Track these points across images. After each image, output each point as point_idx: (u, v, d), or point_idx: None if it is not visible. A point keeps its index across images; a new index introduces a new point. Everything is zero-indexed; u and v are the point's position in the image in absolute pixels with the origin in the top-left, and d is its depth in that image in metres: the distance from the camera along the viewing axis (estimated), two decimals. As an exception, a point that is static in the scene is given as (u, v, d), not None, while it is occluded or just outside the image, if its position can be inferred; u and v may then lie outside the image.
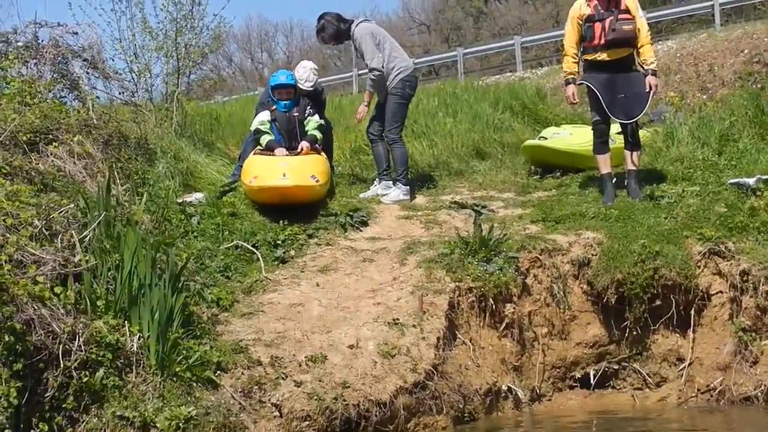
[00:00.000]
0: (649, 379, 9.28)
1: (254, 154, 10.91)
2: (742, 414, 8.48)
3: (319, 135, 11.24)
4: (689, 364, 9.10)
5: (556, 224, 10.05)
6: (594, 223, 9.92)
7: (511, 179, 12.19)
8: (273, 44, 65.56)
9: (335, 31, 11.61)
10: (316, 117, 11.32)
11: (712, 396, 8.91)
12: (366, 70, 11.56)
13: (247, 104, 13.49)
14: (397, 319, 8.41)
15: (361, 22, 11.60)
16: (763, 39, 18.56)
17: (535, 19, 49.83)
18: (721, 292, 9.17)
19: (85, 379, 7.16)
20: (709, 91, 18.63)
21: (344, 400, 7.54)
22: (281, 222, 9.99)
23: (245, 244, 9.54)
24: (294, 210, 10.17)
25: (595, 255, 9.48)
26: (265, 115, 11.22)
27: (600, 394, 9.37)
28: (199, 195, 10.47)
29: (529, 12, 51.73)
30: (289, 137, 11.06)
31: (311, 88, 11.71)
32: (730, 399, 8.77)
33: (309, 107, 11.28)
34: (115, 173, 9.46)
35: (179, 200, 10.20)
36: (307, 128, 11.18)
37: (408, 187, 11.30)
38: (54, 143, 9.35)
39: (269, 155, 10.71)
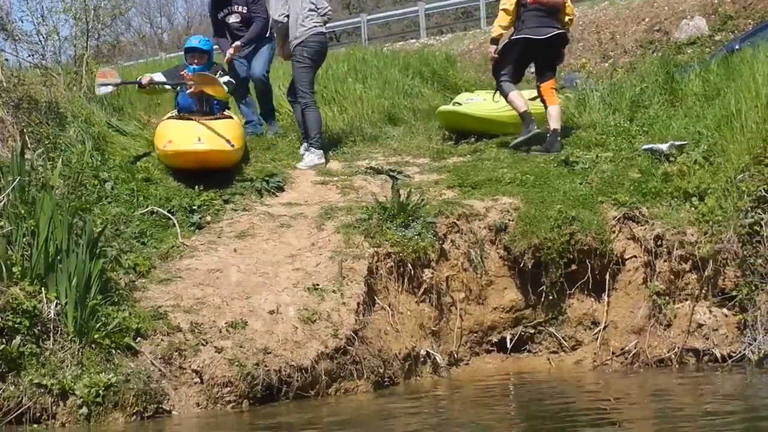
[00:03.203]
0: (564, 342, 9.38)
1: (167, 118, 10.75)
2: (656, 376, 8.59)
3: (227, 88, 11.02)
4: (604, 328, 9.21)
5: (473, 189, 10.09)
6: (510, 189, 9.98)
7: (426, 145, 12.19)
8: (172, 9, 64.70)
9: None
10: (226, 78, 11.16)
11: (626, 359, 9.02)
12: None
13: (153, 70, 13.23)
14: (317, 284, 8.41)
15: None
16: (663, 8, 18.88)
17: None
18: (636, 256, 9.28)
19: (1, 347, 7.05)
20: (611, 59, 18.87)
21: (265, 366, 7.54)
22: (196, 187, 9.87)
23: (160, 209, 9.44)
24: (209, 175, 10.06)
25: (512, 220, 9.55)
26: (158, 76, 11.23)
27: (516, 358, 9.46)
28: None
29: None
30: (200, 101, 10.87)
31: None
32: (645, 362, 8.89)
33: (220, 72, 11.14)
34: (27, 138, 9.25)
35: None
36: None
37: (321, 151, 11.27)
38: (-39, 105, 9.14)
39: (183, 119, 10.55)
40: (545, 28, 11.27)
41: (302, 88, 11.44)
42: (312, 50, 11.49)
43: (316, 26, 11.53)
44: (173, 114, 10.89)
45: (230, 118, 10.92)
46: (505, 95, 11.38)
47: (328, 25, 11.97)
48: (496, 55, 11.62)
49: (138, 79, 11.13)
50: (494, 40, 11.61)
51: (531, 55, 11.46)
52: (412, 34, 31.44)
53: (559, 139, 11.14)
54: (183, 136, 10.17)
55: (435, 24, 33.77)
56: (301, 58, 11.45)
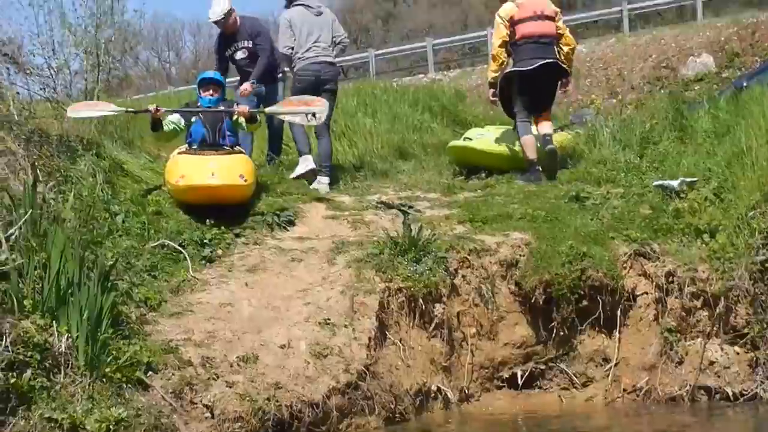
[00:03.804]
0: (575, 379, 9.33)
1: (179, 153, 10.71)
2: (668, 414, 8.57)
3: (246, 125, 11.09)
4: (615, 365, 9.16)
5: (484, 225, 10.08)
6: (521, 224, 9.98)
7: (437, 180, 12.21)
8: (180, 43, 65.00)
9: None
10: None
11: (638, 396, 8.99)
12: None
13: (162, 103, 13.30)
14: (329, 319, 8.38)
15: (297, 4, 12.34)
16: (670, 44, 18.95)
17: (443, 22, 50.12)
18: (647, 293, 9.27)
19: (12, 381, 7.00)
20: (618, 95, 18.91)
21: (277, 401, 7.48)
22: (207, 221, 9.85)
23: (171, 243, 9.41)
24: (220, 209, 10.03)
25: (523, 256, 9.53)
26: (175, 117, 11.08)
27: (527, 395, 9.39)
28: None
29: (437, 15, 52.01)
30: (214, 132, 10.79)
31: (219, 18, 12.42)
32: (656, 399, 8.86)
33: (236, 105, 11.16)
34: (38, 171, 9.26)
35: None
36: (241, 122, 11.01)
37: (310, 156, 11.92)
38: (-27, 143, 9.15)
39: (195, 154, 10.50)
40: (534, 59, 11.59)
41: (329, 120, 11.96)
42: (305, 78, 12.06)
43: (312, 56, 12.06)
44: (183, 149, 10.82)
45: (242, 153, 10.86)
46: (519, 136, 11.52)
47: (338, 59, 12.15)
48: (495, 98, 12.13)
49: (148, 108, 10.98)
50: (491, 84, 12.06)
51: (528, 87, 11.60)
52: (420, 69, 31.58)
53: (538, 169, 11.52)
54: (196, 170, 10.07)
55: (442, 59, 33.91)
56: (294, 86, 12.05)
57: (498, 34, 11.87)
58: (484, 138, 12.36)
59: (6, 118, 9.76)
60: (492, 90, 12.10)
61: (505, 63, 11.87)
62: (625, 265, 9.36)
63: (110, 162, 10.71)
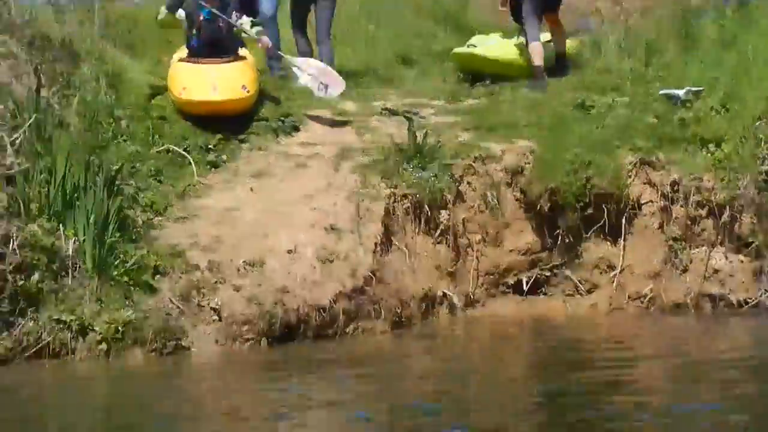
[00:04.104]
0: (580, 285, 9.36)
1: (180, 60, 10.42)
2: (672, 320, 8.62)
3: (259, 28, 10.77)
4: (620, 272, 9.19)
5: (489, 132, 10.00)
6: (526, 132, 9.92)
7: (441, 86, 12.08)
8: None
9: None
10: (249, 26, 10.68)
11: (642, 303, 9.04)
12: None
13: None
14: (334, 224, 8.41)
15: None
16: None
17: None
18: (652, 201, 9.27)
19: (21, 283, 7.07)
20: (622, 2, 18.63)
21: (284, 305, 7.58)
22: (212, 126, 9.79)
23: (176, 148, 9.37)
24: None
25: (528, 163, 9.51)
26: (181, 14, 10.61)
27: (532, 300, 9.44)
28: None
29: None
30: (216, 48, 10.26)
31: None
32: (660, 306, 8.92)
33: (236, 12, 10.91)
34: (41, 75, 9.17)
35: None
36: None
37: None
38: (-24, 43, 9.07)
39: (197, 63, 10.13)
40: None
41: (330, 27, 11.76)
42: None
43: None
44: (185, 54, 10.46)
45: (244, 58, 10.58)
46: (527, 41, 11.44)
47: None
48: (504, 8, 12.02)
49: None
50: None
51: None
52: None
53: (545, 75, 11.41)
54: (197, 83, 9.85)
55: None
56: None
57: None
58: (489, 45, 12.18)
59: (8, 23, 9.64)
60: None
61: None
62: (630, 173, 9.34)
63: (113, 66, 10.60)
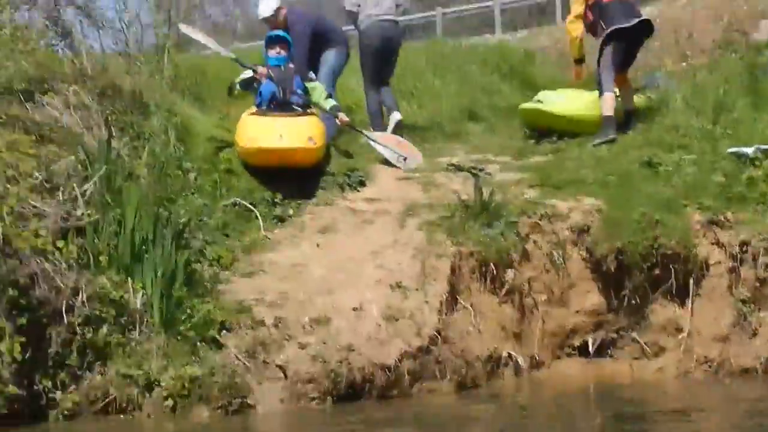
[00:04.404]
0: (647, 348, 9.21)
1: (248, 114, 10.57)
2: (741, 386, 8.45)
3: (334, 103, 11.13)
4: (688, 335, 9.04)
5: (555, 189, 9.95)
6: (593, 189, 9.85)
7: (507, 143, 12.08)
8: (246, -1, 64.65)
9: None
10: (319, 84, 11.16)
11: (710, 367, 8.86)
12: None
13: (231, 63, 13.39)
14: (400, 282, 8.36)
15: None
16: (742, 7, 18.53)
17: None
18: (720, 262, 9.12)
19: (89, 336, 7.11)
20: (688, 58, 18.57)
21: (349, 364, 7.53)
22: (279, 180, 9.83)
23: (243, 201, 9.42)
24: (291, 170, 10.01)
25: (595, 222, 9.42)
26: (247, 73, 10.95)
27: (598, 363, 9.30)
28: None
29: (505, -26, 51.36)
30: (284, 89, 10.65)
31: (269, 15, 11.97)
32: (729, 371, 8.71)
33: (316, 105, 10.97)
34: (111, 126, 9.28)
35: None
36: (314, 98, 10.89)
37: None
38: (49, 93, 9.19)
39: (264, 116, 10.40)
40: (630, 17, 11.66)
41: (367, 74, 12.15)
42: (373, 37, 12.08)
43: (379, 14, 12.05)
44: (253, 110, 10.68)
45: (313, 114, 10.69)
46: (601, 92, 11.44)
47: (403, 18, 12.16)
48: (578, 80, 12.37)
49: (255, 68, 10.89)
50: (578, 61, 12.21)
51: (624, 44, 11.70)
52: (487, 29, 31.18)
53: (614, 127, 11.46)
54: (264, 132, 9.96)
55: (508, 20, 33.50)
56: (363, 44, 12.09)
57: (573, 9, 11.84)
58: (556, 101, 12.19)
59: (80, 73, 9.77)
60: (577, 68, 12.31)
61: (581, 36, 11.84)
62: (698, 233, 9.21)
63: (182, 118, 10.71)
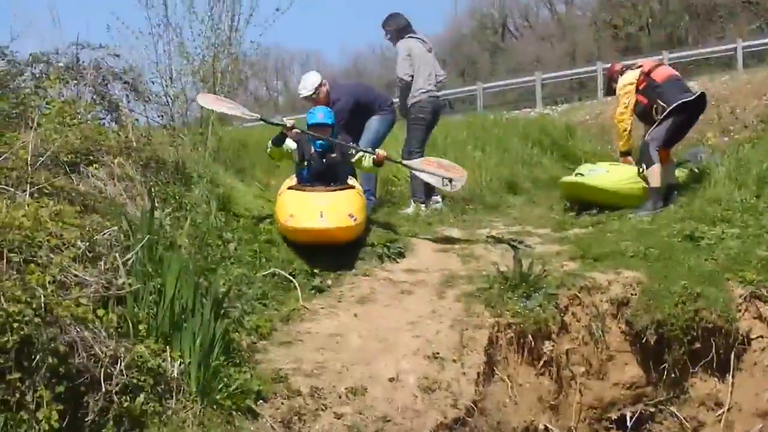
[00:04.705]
0: (686, 423, 9.13)
1: (288, 189, 10.58)
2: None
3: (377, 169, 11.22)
4: (728, 410, 8.98)
5: (595, 262, 9.96)
6: (633, 262, 9.85)
7: (547, 215, 12.13)
8: (288, 72, 65.59)
9: (394, 33, 12.80)
10: (367, 156, 10.97)
11: (751, 443, 8.79)
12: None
13: (273, 132, 13.56)
14: (437, 352, 8.35)
15: (410, 36, 12.63)
16: (784, 82, 18.54)
17: (551, 56, 49.89)
18: (762, 336, 9.07)
19: (126, 404, 7.09)
20: (731, 133, 18.59)
21: (385, 434, 7.49)
22: (318, 250, 9.90)
23: (282, 272, 9.48)
24: (331, 239, 10.08)
25: (635, 294, 9.40)
26: (293, 145, 10.91)
27: (636, 437, 9.25)
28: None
29: (545, 49, 51.81)
30: (325, 177, 10.63)
31: (310, 94, 12.14)
32: (770, 447, 8.64)
33: (351, 148, 11.00)
34: (154, 197, 9.40)
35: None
36: (365, 164, 10.95)
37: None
38: (94, 165, 9.33)
39: (304, 191, 10.41)
40: (689, 92, 12.08)
41: (416, 146, 12.22)
42: (425, 109, 12.37)
43: (432, 89, 12.40)
44: (294, 183, 10.74)
45: (353, 187, 10.71)
46: (648, 164, 11.49)
47: (442, 91, 12.32)
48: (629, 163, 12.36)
49: (283, 121, 11.02)
50: (625, 153, 12.42)
51: (683, 118, 12.00)
52: (527, 104, 31.43)
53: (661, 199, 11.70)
54: (304, 210, 9.95)
55: (548, 94, 33.72)
56: (414, 115, 12.33)
57: (624, 101, 11.97)
58: (597, 174, 12.24)
59: (125, 145, 9.93)
60: (623, 158, 12.48)
61: (630, 129, 12.09)
62: (740, 307, 9.16)
63: (224, 190, 10.84)
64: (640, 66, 12.27)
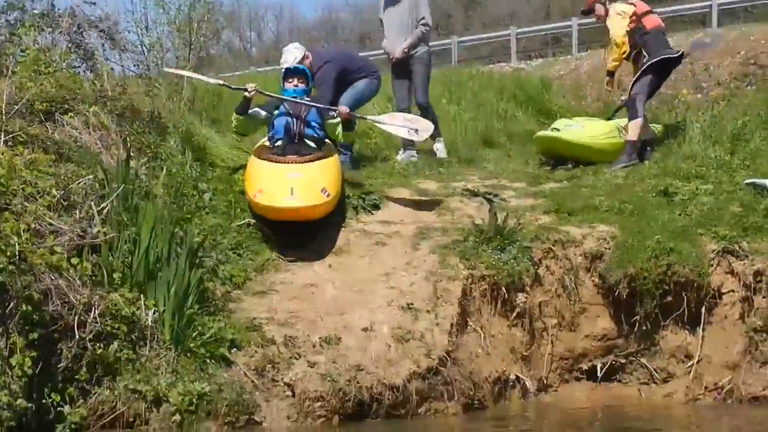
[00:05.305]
0: (656, 374, 9.24)
1: (261, 158, 9.96)
2: (751, 414, 8.43)
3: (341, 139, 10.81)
4: (698, 362, 9.05)
5: (569, 216, 10.01)
6: (607, 217, 9.90)
7: (522, 169, 12.14)
8: (262, 24, 65.05)
9: None
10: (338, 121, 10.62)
11: (719, 394, 8.86)
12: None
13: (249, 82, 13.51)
14: (411, 303, 8.42)
15: None
16: (759, 41, 18.55)
17: (526, 10, 49.57)
18: (733, 291, 9.12)
19: (99, 351, 7.16)
20: (704, 90, 18.60)
21: (357, 383, 7.56)
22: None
23: (257, 222, 9.47)
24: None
25: (608, 249, 9.46)
26: (260, 113, 10.64)
27: (606, 387, 9.36)
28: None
29: (520, 3, 51.48)
30: (298, 122, 10.26)
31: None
32: (738, 398, 8.69)
33: (314, 106, 10.56)
34: (129, 146, 9.37)
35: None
36: (337, 134, 10.66)
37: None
38: (69, 113, 9.29)
39: (275, 162, 9.77)
40: (671, 48, 12.26)
41: (426, 90, 12.60)
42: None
43: None
44: (265, 146, 10.37)
45: (327, 156, 10.08)
46: (636, 117, 11.51)
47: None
48: (610, 88, 12.63)
49: (246, 87, 10.40)
50: (610, 73, 12.46)
51: (665, 73, 12.18)
52: (501, 58, 31.31)
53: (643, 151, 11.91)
54: (274, 184, 9.37)
55: (523, 49, 33.61)
56: (429, 60, 12.90)
57: (621, 24, 12.06)
58: (572, 129, 12.25)
59: (100, 94, 9.88)
60: (609, 78, 12.56)
61: (626, 53, 12.07)
62: (712, 262, 9.21)
63: (199, 140, 10.81)
64: (632, 4, 12.24)
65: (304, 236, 9.49)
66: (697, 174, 10.79)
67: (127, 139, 9.57)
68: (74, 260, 7.36)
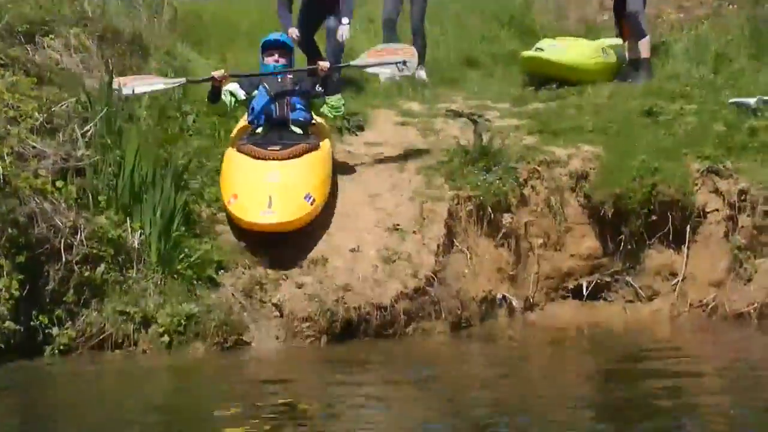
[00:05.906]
0: (641, 292, 9.31)
1: (238, 150, 8.66)
2: (734, 330, 8.51)
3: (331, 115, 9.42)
4: (682, 279, 9.13)
5: (554, 136, 9.98)
6: (592, 137, 9.89)
7: (506, 90, 12.02)
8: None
9: None
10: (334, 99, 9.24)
11: (704, 311, 8.95)
12: None
13: (231, 3, 13.35)
14: (398, 225, 8.44)
15: None
16: (743, -42, 18.39)
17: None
18: (718, 210, 9.17)
19: (86, 274, 7.18)
20: (687, 9, 18.45)
21: (345, 303, 7.62)
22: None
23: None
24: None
25: (594, 169, 9.47)
26: (233, 86, 9.15)
27: (592, 305, 9.43)
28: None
29: None
30: (282, 106, 8.94)
31: None
32: (723, 315, 8.77)
33: (318, 86, 9.22)
34: (112, 69, 9.28)
35: None
36: (325, 111, 9.24)
37: None
38: (50, 35, 9.20)
39: (254, 157, 8.52)
40: None
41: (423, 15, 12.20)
42: None
43: None
44: (244, 130, 9.08)
45: (314, 148, 8.77)
46: (642, 36, 11.57)
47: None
48: None
49: (212, 75, 9.07)
50: None
51: None
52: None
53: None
54: (250, 192, 8.15)
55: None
56: None
57: None
58: (557, 49, 12.14)
59: (80, 15, 9.77)
60: None
61: None
62: (696, 181, 9.25)
63: (181, 62, 10.71)
64: None
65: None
66: (681, 94, 10.76)
67: (109, 61, 9.49)
68: (59, 183, 7.36)
